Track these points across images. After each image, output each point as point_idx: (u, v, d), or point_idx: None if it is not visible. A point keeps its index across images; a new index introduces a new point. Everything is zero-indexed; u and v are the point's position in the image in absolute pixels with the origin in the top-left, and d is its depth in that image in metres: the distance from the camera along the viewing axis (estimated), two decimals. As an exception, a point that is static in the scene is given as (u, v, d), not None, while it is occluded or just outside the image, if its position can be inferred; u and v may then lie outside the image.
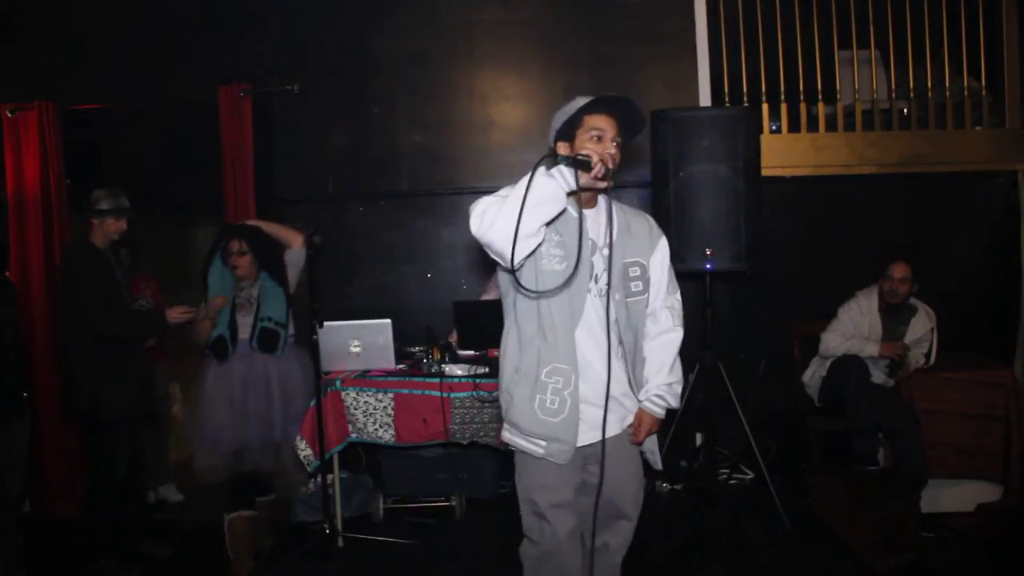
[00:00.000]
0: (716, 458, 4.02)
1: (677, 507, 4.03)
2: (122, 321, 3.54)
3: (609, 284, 2.18)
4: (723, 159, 3.56)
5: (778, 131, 4.60)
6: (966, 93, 4.56)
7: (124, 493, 3.76)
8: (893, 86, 4.67)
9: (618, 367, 2.22)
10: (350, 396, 3.55)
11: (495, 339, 3.66)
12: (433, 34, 4.75)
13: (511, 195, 1.98)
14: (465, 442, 3.53)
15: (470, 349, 3.78)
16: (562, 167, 1.97)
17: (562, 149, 2.19)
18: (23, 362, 3.46)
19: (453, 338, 3.78)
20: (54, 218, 4.45)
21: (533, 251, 2.07)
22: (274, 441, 3.50)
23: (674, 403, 2.33)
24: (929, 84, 4.58)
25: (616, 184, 4.95)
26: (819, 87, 4.54)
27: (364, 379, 3.58)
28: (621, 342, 2.22)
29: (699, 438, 4.41)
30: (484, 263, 4.73)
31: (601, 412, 2.15)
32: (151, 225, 5.43)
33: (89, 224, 3.56)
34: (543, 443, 2.16)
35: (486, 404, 3.45)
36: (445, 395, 3.46)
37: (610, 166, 2.04)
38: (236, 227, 3.76)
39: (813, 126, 4.58)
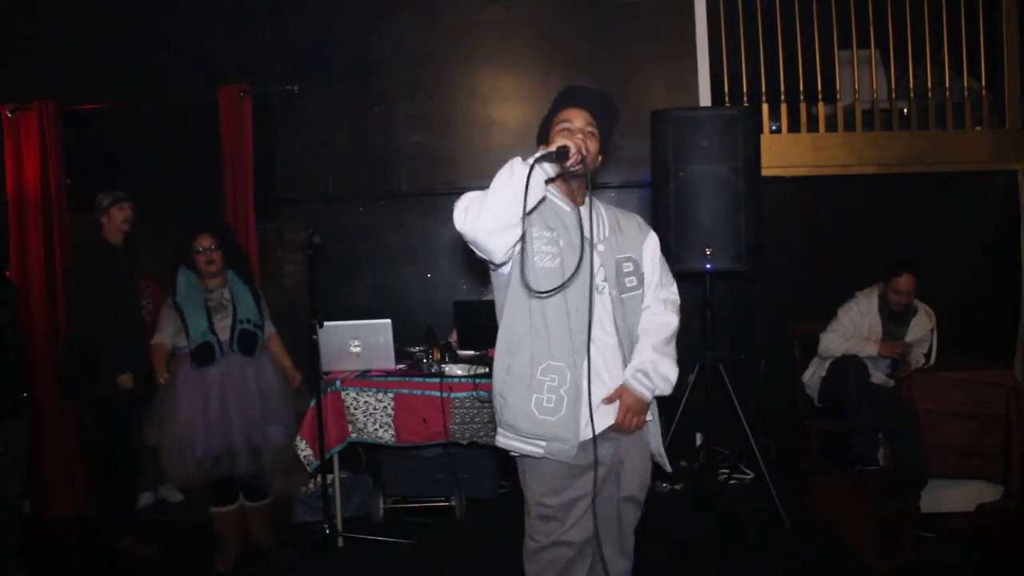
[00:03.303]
0: (716, 458, 4.01)
1: (677, 507, 4.03)
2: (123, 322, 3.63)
3: (605, 280, 2.18)
4: (723, 159, 3.56)
5: (778, 131, 4.60)
6: (966, 93, 4.56)
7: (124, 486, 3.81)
8: (893, 86, 4.67)
9: (617, 363, 2.19)
10: (350, 396, 3.55)
11: (495, 339, 3.70)
12: (433, 34, 4.75)
13: (489, 190, 1.97)
14: (465, 442, 3.53)
15: (470, 349, 3.78)
16: (538, 156, 1.96)
17: (542, 149, 2.17)
18: (23, 362, 3.46)
19: (453, 338, 3.78)
20: (54, 218, 4.45)
21: (517, 245, 2.03)
22: (255, 443, 3.42)
23: (661, 386, 2.21)
24: (929, 84, 4.58)
25: (616, 184, 4.99)
26: (819, 87, 4.55)
27: (364, 379, 3.58)
28: (620, 341, 2.21)
29: (699, 438, 4.41)
30: (484, 263, 4.73)
31: (613, 407, 2.16)
32: (151, 225, 5.42)
33: (100, 225, 3.80)
34: (543, 443, 2.12)
35: (486, 404, 3.44)
36: (445, 395, 3.46)
37: (584, 153, 2.01)
38: (203, 222, 3.69)
39: (813, 126, 4.59)
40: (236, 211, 4.44)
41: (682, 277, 4.17)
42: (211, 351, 3.43)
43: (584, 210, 2.18)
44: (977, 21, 4.52)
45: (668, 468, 2.39)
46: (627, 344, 2.22)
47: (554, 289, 2.07)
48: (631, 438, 2.25)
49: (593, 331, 2.11)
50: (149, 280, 4.58)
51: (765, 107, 4.56)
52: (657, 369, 2.20)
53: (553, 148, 1.98)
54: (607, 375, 2.18)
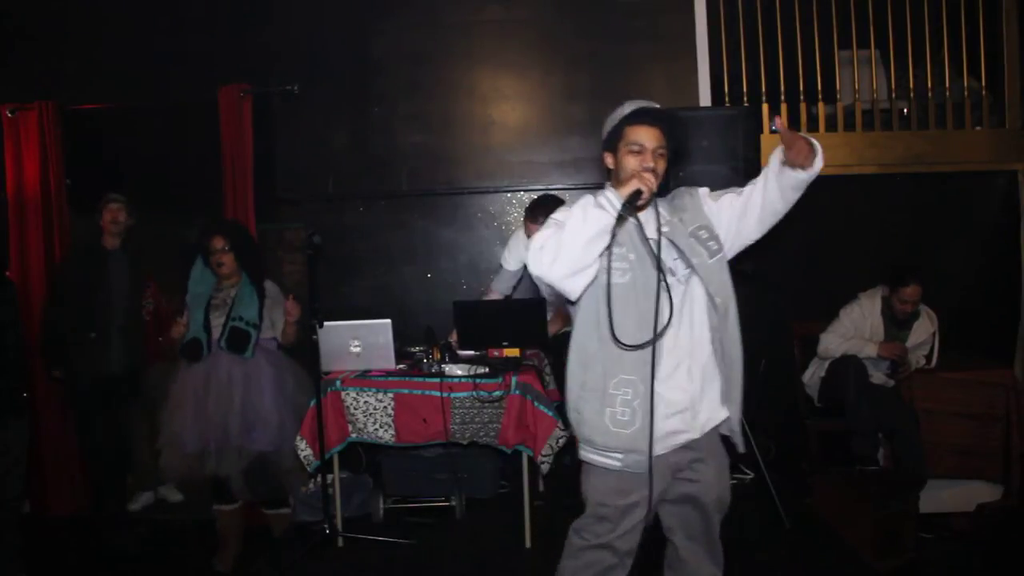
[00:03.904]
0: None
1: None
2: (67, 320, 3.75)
3: (680, 270, 2.18)
4: (723, 159, 3.56)
5: (778, 131, 4.59)
6: (966, 93, 4.56)
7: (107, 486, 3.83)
8: (893, 86, 4.67)
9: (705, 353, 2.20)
10: (350, 396, 3.54)
11: (495, 339, 3.71)
12: (433, 34, 4.75)
13: (563, 232, 2.00)
14: (465, 442, 3.53)
15: (470, 349, 3.78)
16: (609, 195, 2.01)
17: (608, 160, 2.22)
18: (23, 362, 3.46)
19: (453, 338, 3.78)
20: (54, 218, 4.44)
21: (596, 277, 2.08)
22: (232, 446, 3.39)
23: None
24: (929, 84, 4.58)
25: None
26: (819, 87, 4.55)
27: (364, 379, 3.58)
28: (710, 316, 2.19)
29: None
30: (484, 263, 4.74)
31: (690, 415, 2.17)
32: (151, 225, 5.42)
33: (101, 230, 3.91)
34: (619, 455, 2.13)
35: (486, 404, 3.45)
36: (445, 395, 3.46)
37: (651, 186, 2.04)
38: (218, 224, 3.74)
39: (813, 126, 4.59)
40: (236, 211, 4.44)
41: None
42: (198, 347, 3.47)
43: (644, 215, 2.17)
44: (977, 21, 4.52)
45: (741, 448, 2.37)
46: (720, 312, 2.21)
47: (644, 343, 2.07)
48: (709, 442, 2.25)
49: (673, 333, 2.14)
50: (149, 280, 4.58)
51: (765, 107, 4.56)
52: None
53: (627, 193, 2.01)
54: (687, 380, 2.19)
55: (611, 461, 2.15)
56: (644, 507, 2.16)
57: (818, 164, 2.12)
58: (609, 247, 2.03)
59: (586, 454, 2.22)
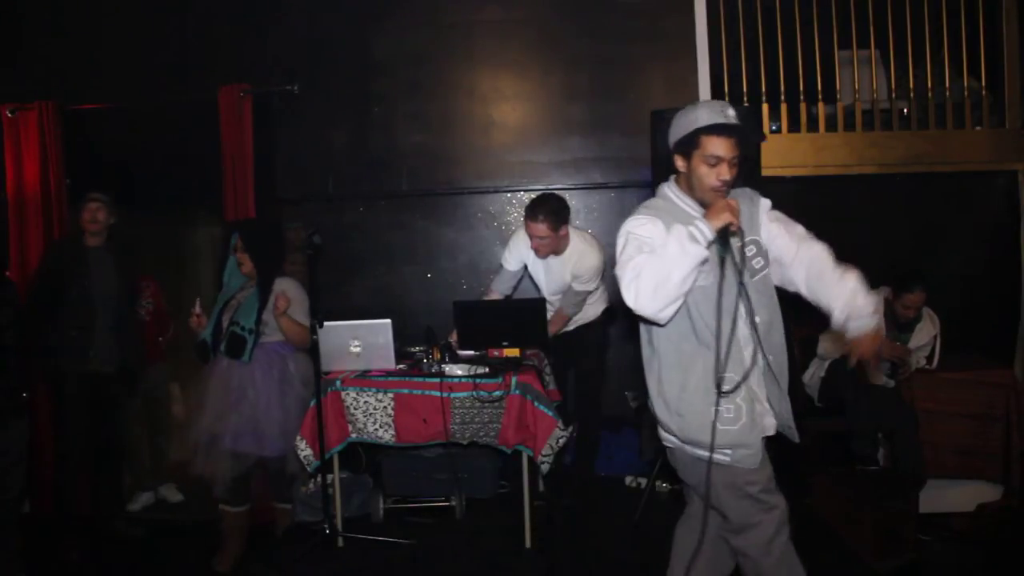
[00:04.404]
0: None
1: (677, 507, 4.02)
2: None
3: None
4: (723, 159, 3.55)
5: (778, 131, 4.60)
6: (966, 93, 4.56)
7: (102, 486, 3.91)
8: (893, 86, 4.67)
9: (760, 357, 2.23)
10: (350, 396, 3.54)
11: (495, 339, 3.71)
12: (433, 34, 4.75)
13: (662, 266, 2.02)
14: (465, 442, 3.53)
15: (470, 349, 3.78)
16: (702, 228, 2.04)
17: (679, 163, 2.24)
18: (23, 362, 3.46)
19: (453, 338, 3.78)
20: (54, 218, 4.45)
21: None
22: (223, 449, 3.43)
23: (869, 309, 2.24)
24: (929, 84, 4.58)
25: (616, 184, 4.99)
26: (819, 87, 4.55)
27: (364, 379, 3.58)
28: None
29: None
30: (484, 263, 4.74)
31: (767, 404, 2.26)
32: (151, 225, 5.42)
33: (82, 229, 3.90)
34: (728, 451, 2.19)
35: (486, 404, 3.45)
36: (445, 395, 3.46)
37: (738, 220, 2.10)
38: (238, 221, 3.85)
39: (813, 126, 4.59)
40: (236, 211, 4.44)
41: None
42: (205, 350, 3.54)
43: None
44: (977, 21, 4.52)
45: (796, 439, 2.43)
46: (763, 329, 2.23)
47: (736, 386, 2.16)
48: None
49: (739, 332, 2.18)
50: (149, 280, 4.59)
51: (765, 107, 4.56)
52: (859, 301, 2.26)
53: (719, 226, 2.06)
54: (766, 377, 2.27)
55: (721, 457, 2.20)
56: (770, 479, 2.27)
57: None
58: (726, 258, 2.11)
59: (695, 450, 2.25)
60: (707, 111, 2.17)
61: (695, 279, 2.08)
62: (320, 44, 4.74)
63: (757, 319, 2.19)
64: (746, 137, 2.21)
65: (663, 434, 2.35)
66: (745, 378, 2.17)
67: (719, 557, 2.46)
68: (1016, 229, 4.61)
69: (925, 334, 4.09)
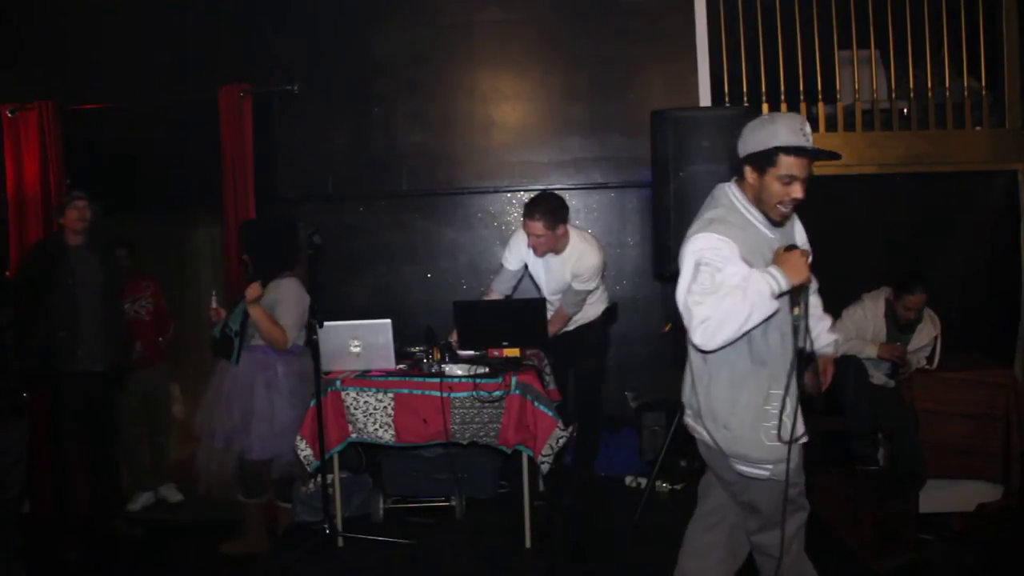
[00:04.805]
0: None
1: (677, 507, 4.03)
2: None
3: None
4: (723, 159, 3.54)
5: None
6: (966, 93, 4.56)
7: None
8: (893, 86, 4.67)
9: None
10: (350, 396, 3.54)
11: (495, 339, 3.71)
12: (433, 34, 4.75)
13: (730, 307, 2.04)
14: (465, 442, 3.52)
15: (470, 349, 3.77)
16: (780, 279, 2.06)
17: (750, 175, 2.23)
18: (22, 363, 3.46)
19: (453, 338, 3.77)
20: (54, 218, 4.44)
21: None
22: (217, 448, 3.58)
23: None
24: (929, 84, 4.58)
25: (616, 184, 4.98)
26: (819, 87, 4.55)
27: (364, 379, 3.57)
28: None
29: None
30: (484, 263, 4.74)
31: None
32: (151, 225, 5.43)
33: (61, 228, 3.89)
34: (769, 466, 2.23)
35: (486, 404, 3.44)
36: (445, 395, 3.45)
37: (811, 278, 2.16)
38: (241, 224, 3.93)
39: (813, 126, 4.56)
40: (236, 211, 4.44)
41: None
42: (216, 346, 3.68)
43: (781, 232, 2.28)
44: (977, 21, 4.52)
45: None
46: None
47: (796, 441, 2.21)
48: None
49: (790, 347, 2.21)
50: (149, 280, 4.59)
51: (765, 107, 4.56)
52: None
53: (797, 284, 2.09)
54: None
55: (761, 472, 2.25)
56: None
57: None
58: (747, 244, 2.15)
59: (741, 467, 2.29)
60: (787, 128, 2.16)
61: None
62: (320, 44, 4.74)
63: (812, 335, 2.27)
64: (821, 157, 2.21)
65: (701, 432, 2.37)
66: (788, 394, 2.19)
67: (739, 543, 2.51)
68: (1016, 229, 4.61)
69: (926, 335, 4.10)
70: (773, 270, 2.08)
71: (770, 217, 2.22)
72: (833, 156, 2.21)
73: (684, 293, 2.14)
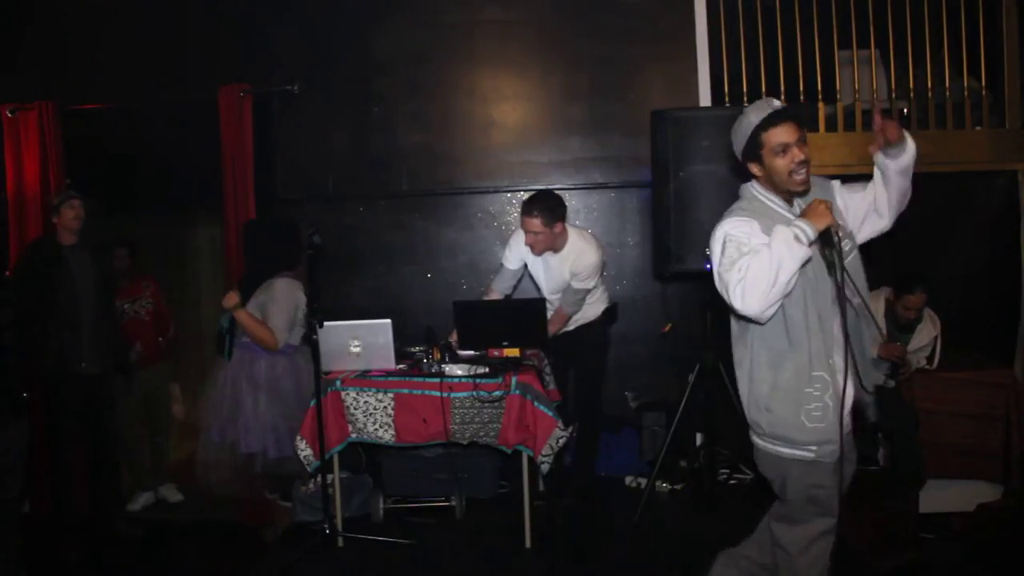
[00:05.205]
0: (716, 458, 4.01)
1: (677, 507, 4.03)
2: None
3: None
4: (723, 159, 3.54)
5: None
6: (966, 93, 4.55)
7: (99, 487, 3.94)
8: (893, 86, 4.67)
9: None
10: (350, 396, 3.54)
11: (495, 339, 3.71)
12: (433, 34, 4.75)
13: (773, 268, 2.05)
14: (465, 442, 3.53)
15: (470, 349, 3.78)
16: (805, 227, 2.09)
17: (755, 169, 2.30)
18: (22, 362, 3.46)
19: (453, 338, 3.78)
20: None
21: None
22: (212, 441, 3.73)
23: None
24: (929, 84, 4.57)
25: (616, 184, 4.98)
26: (819, 87, 4.54)
27: (364, 379, 3.58)
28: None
29: (699, 438, 4.41)
30: (484, 263, 4.74)
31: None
32: (151, 225, 5.43)
33: (53, 227, 3.87)
34: (814, 447, 2.24)
35: (486, 404, 3.45)
36: (445, 395, 3.46)
37: (836, 225, 2.14)
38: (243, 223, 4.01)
39: (813, 126, 4.58)
40: (236, 211, 4.44)
41: (682, 277, 4.21)
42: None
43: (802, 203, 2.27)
44: (977, 21, 4.52)
45: (874, 418, 2.48)
46: (861, 313, 2.29)
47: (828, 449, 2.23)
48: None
49: (835, 330, 2.22)
50: (149, 280, 4.59)
51: (765, 107, 4.55)
52: None
53: (822, 228, 2.11)
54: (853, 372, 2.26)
55: (805, 453, 2.25)
56: (836, 488, 2.29)
57: (908, 142, 2.26)
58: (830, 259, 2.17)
59: (776, 448, 2.30)
60: (755, 112, 2.25)
61: (815, 280, 2.17)
62: (320, 44, 4.74)
63: (855, 302, 2.25)
64: (798, 116, 2.27)
65: (752, 435, 2.39)
66: (833, 376, 2.21)
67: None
68: (1016, 229, 4.61)
69: (926, 335, 4.10)
70: (796, 220, 2.13)
71: (793, 191, 2.26)
72: (792, 107, 2.28)
73: (716, 271, 2.21)
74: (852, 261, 2.30)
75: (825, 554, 2.35)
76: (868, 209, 2.40)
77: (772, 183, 2.27)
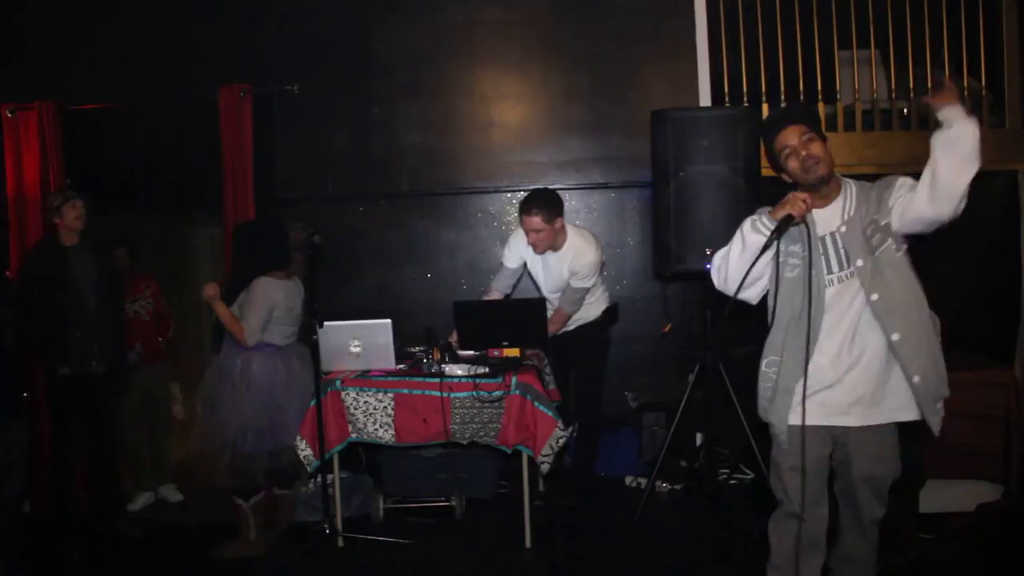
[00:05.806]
0: (716, 458, 4.02)
1: (677, 507, 4.03)
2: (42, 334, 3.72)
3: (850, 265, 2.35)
4: (723, 159, 3.56)
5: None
6: (966, 93, 4.55)
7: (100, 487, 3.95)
8: (893, 86, 4.67)
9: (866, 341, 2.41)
10: (350, 396, 3.55)
11: (495, 339, 3.71)
12: (433, 34, 4.75)
13: (730, 252, 2.41)
14: (465, 442, 3.53)
15: (470, 349, 3.78)
16: (765, 220, 2.32)
17: (785, 178, 2.45)
18: (22, 362, 3.46)
19: (453, 338, 3.78)
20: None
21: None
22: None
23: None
24: (929, 84, 4.57)
25: (616, 184, 4.98)
26: (819, 87, 4.54)
27: (364, 379, 3.58)
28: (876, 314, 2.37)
29: (699, 438, 4.41)
30: (484, 263, 4.74)
31: (844, 396, 2.42)
32: (151, 225, 5.43)
33: (54, 227, 3.84)
34: (774, 422, 2.45)
35: (486, 404, 3.45)
36: (445, 395, 3.46)
37: (801, 210, 2.27)
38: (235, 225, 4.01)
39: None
40: (236, 211, 4.44)
41: (682, 277, 4.21)
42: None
43: (821, 213, 2.38)
44: (977, 21, 4.52)
45: (936, 430, 2.64)
46: (884, 310, 2.39)
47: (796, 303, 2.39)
48: (880, 439, 2.57)
49: (834, 321, 2.36)
50: (149, 280, 4.59)
51: (765, 107, 4.55)
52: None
53: (780, 216, 2.28)
54: (845, 364, 2.41)
55: (773, 430, 2.45)
56: (798, 471, 2.42)
57: (955, 117, 2.19)
58: (777, 249, 2.31)
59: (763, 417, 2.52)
60: (762, 126, 2.47)
61: (780, 271, 2.32)
62: (320, 44, 4.74)
63: (873, 296, 2.34)
64: (805, 115, 2.44)
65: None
66: (782, 361, 2.38)
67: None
68: (1016, 229, 4.61)
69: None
70: (761, 209, 2.37)
71: (811, 183, 2.35)
72: (797, 106, 2.40)
73: None
74: (885, 255, 2.34)
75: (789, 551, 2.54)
76: (908, 194, 2.35)
77: (795, 181, 2.40)
